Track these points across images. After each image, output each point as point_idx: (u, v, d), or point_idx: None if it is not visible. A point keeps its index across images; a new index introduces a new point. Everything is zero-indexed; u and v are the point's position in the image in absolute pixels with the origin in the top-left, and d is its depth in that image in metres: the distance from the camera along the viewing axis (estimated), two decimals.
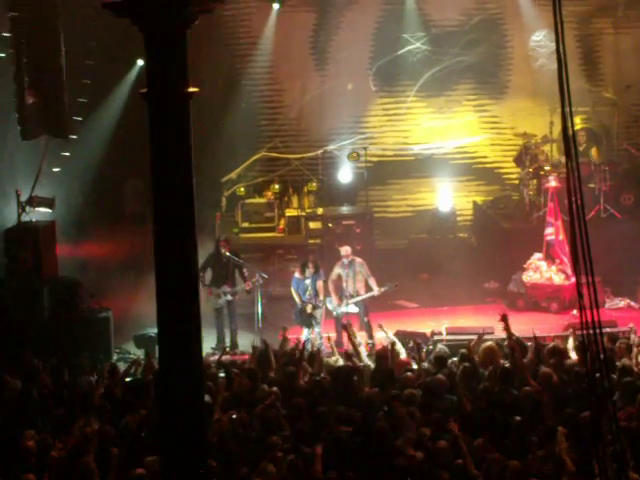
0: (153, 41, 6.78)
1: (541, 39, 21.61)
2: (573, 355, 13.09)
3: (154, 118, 6.88)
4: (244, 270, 17.52)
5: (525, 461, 9.81)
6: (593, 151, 20.95)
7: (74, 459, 10.21)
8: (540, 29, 21.54)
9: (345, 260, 17.25)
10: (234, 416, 11.14)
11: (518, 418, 10.80)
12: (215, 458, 9.99)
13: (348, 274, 17.19)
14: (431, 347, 14.84)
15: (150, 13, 6.70)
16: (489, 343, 13.46)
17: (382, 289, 17.16)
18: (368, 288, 17.21)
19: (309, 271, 17.12)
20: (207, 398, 11.24)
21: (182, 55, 6.83)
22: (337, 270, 17.34)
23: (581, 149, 20.69)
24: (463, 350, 13.43)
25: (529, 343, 13.68)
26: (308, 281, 17.13)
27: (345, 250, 17.38)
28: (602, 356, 6.10)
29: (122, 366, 14.63)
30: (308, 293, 17.08)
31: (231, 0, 20.84)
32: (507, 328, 13.29)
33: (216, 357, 15.90)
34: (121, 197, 22.02)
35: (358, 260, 17.36)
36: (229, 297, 17.40)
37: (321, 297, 17.12)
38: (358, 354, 13.82)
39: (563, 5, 6.40)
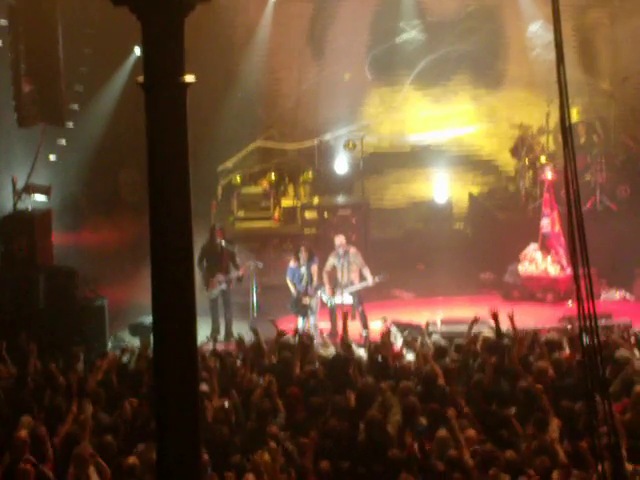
0: (150, 29, 6.77)
1: (537, 29, 21.62)
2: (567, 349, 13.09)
3: (151, 107, 6.87)
4: (237, 259, 17.49)
5: (519, 452, 9.83)
6: (593, 144, 20.89)
7: (69, 447, 10.22)
8: (536, 19, 21.54)
9: (340, 250, 17.24)
10: (226, 404, 11.15)
11: (512, 410, 10.83)
12: (208, 446, 10.02)
13: (343, 264, 17.18)
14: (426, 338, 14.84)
15: (148, 1, 6.69)
16: (487, 333, 13.48)
17: (376, 279, 17.16)
18: (362, 278, 17.21)
19: (303, 257, 17.08)
20: (204, 387, 11.29)
21: (179, 44, 6.82)
22: (331, 260, 17.33)
23: (582, 140, 20.69)
24: (459, 341, 13.46)
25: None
26: (303, 269, 17.10)
27: (339, 240, 17.38)
28: (598, 347, 6.11)
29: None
30: (304, 281, 17.06)
31: None
32: (497, 326, 13.31)
33: (210, 346, 15.91)
34: (117, 185, 22.03)
35: (352, 250, 17.35)
36: (223, 286, 17.38)
37: (315, 280, 17.07)
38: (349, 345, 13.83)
39: None
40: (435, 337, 14.36)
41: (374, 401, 11.30)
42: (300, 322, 17.00)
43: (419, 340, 13.85)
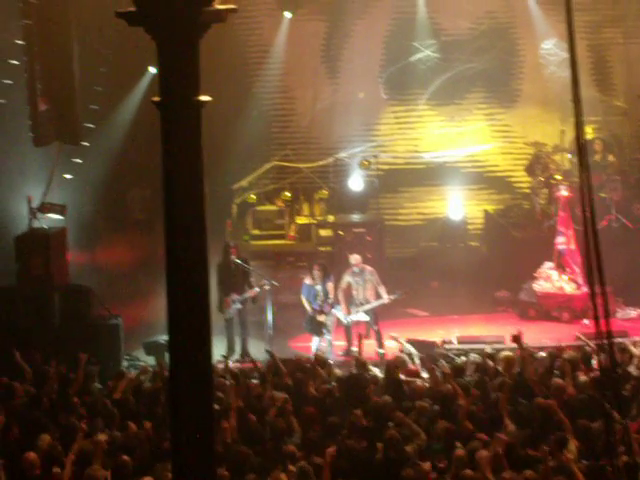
0: (166, 49, 6.80)
1: (551, 47, 21.62)
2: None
3: (166, 126, 6.90)
4: (251, 279, 17.45)
5: (537, 472, 9.76)
6: (608, 162, 20.89)
7: (82, 467, 10.20)
8: (550, 37, 21.54)
9: (355, 268, 17.21)
10: None
11: (529, 429, 10.77)
12: (225, 465, 10.00)
13: (358, 282, 17.16)
14: (463, 358, 14.65)
15: (163, 22, 6.71)
16: (507, 352, 13.44)
17: (392, 297, 17.14)
18: (378, 296, 17.18)
19: (317, 274, 17.04)
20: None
21: (194, 63, 6.85)
22: (347, 278, 17.30)
23: (597, 158, 20.67)
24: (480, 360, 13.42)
25: (542, 353, 13.70)
26: (319, 287, 17.07)
27: (355, 259, 17.35)
28: (614, 365, 6.09)
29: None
30: (319, 299, 17.03)
31: (243, 9, 20.87)
32: (520, 346, 13.23)
33: (225, 365, 15.93)
34: (127, 204, 22.07)
35: (368, 269, 17.33)
36: (238, 305, 17.36)
37: (331, 296, 17.03)
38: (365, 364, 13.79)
39: (574, 14, 6.41)
40: (473, 356, 14.18)
41: (390, 420, 11.26)
42: (315, 341, 16.95)
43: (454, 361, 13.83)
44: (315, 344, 16.81)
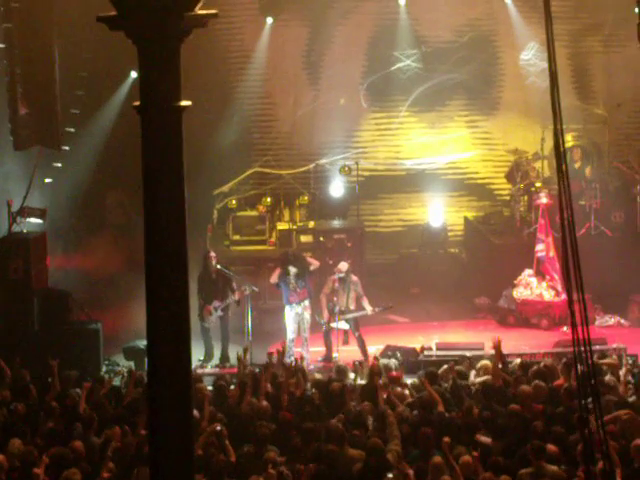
0: (147, 54, 6.79)
1: (530, 57, 21.69)
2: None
3: (146, 131, 6.89)
4: (233, 284, 17.41)
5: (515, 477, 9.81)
6: (587, 170, 21.01)
7: (59, 471, 10.17)
8: (530, 47, 21.61)
9: (338, 274, 17.15)
10: (218, 428, 11.09)
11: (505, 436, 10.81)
12: (202, 471, 9.98)
13: (341, 289, 17.13)
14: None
15: (144, 27, 6.71)
16: (484, 361, 13.48)
17: (376, 309, 17.14)
18: (360, 306, 17.17)
19: (280, 271, 17.06)
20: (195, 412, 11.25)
21: (175, 68, 6.84)
22: (330, 284, 17.29)
23: (577, 166, 20.78)
24: (460, 367, 13.44)
25: (518, 359, 13.75)
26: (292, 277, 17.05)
27: (342, 266, 17.28)
28: (591, 373, 6.11)
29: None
30: (292, 285, 17.01)
31: (225, 14, 20.85)
32: (498, 354, 13.26)
33: (204, 370, 15.93)
34: (105, 208, 22.04)
35: (353, 278, 17.30)
36: (220, 313, 17.31)
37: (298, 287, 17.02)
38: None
39: (554, 23, 6.44)
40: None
41: (368, 427, 11.27)
42: (289, 334, 16.88)
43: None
44: (289, 339, 16.71)
